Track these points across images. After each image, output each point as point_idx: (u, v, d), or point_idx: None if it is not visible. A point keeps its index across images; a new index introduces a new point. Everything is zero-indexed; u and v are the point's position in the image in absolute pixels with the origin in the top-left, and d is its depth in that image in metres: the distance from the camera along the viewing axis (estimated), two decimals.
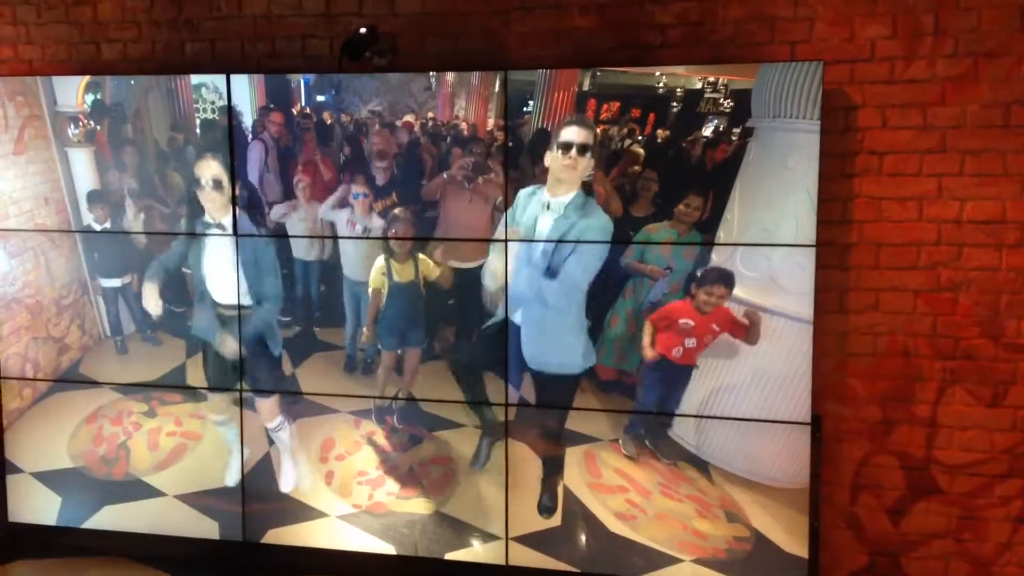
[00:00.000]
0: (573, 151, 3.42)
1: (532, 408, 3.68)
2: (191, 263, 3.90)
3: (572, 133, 3.43)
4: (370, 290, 3.77)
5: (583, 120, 3.46)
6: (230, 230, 3.80)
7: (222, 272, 3.84)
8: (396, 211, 3.69)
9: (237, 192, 3.77)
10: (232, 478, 3.99)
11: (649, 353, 3.54)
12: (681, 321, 3.51)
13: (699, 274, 3.46)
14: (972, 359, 3.40)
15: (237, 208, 3.78)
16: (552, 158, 3.47)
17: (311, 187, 3.77)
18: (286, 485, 3.94)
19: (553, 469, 3.70)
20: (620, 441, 3.65)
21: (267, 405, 3.92)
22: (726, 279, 3.43)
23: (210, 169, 3.76)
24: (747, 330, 3.42)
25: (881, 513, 3.55)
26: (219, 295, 3.86)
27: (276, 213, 3.78)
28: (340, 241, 3.79)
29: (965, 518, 3.47)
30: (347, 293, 3.83)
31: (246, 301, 3.83)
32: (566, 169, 3.45)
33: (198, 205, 3.83)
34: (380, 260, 3.75)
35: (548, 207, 3.50)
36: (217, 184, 3.77)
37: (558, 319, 3.57)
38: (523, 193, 3.55)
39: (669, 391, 3.59)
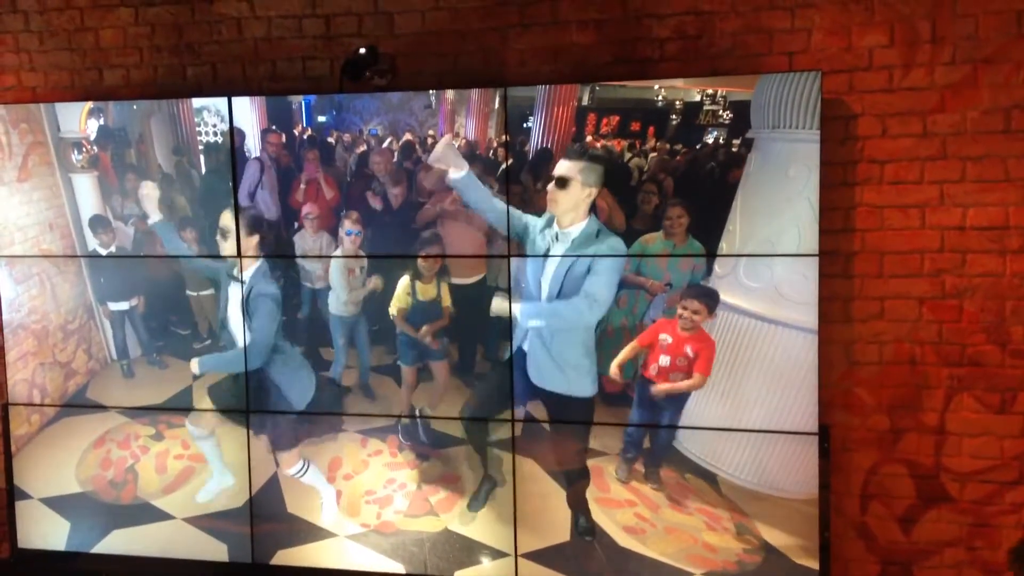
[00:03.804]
0: (551, 184, 3.45)
1: (542, 426, 3.67)
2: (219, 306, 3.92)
3: (558, 166, 3.45)
4: (395, 311, 3.76)
5: (571, 150, 3.46)
6: (246, 280, 3.83)
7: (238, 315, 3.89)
8: (426, 234, 3.69)
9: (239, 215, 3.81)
10: (205, 497, 4.00)
11: (613, 371, 3.54)
12: (661, 336, 3.51)
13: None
14: (979, 366, 3.39)
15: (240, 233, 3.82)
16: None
17: (320, 218, 3.79)
18: (328, 520, 3.91)
19: (578, 491, 3.69)
20: (615, 468, 3.65)
21: (285, 456, 3.91)
22: (704, 297, 3.43)
23: (231, 221, 3.80)
24: (700, 377, 3.45)
25: (891, 522, 3.53)
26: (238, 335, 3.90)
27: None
28: (342, 285, 3.83)
29: (976, 526, 3.45)
30: (339, 326, 3.85)
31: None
32: (549, 203, 3.48)
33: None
34: (405, 280, 3.74)
35: (557, 239, 3.51)
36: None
37: (569, 341, 3.57)
38: (537, 223, 3.54)
39: (664, 413, 3.58)
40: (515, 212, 3.54)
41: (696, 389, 3.48)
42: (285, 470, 3.92)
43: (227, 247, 3.83)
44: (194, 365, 3.93)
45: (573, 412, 3.61)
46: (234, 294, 3.85)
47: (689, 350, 3.47)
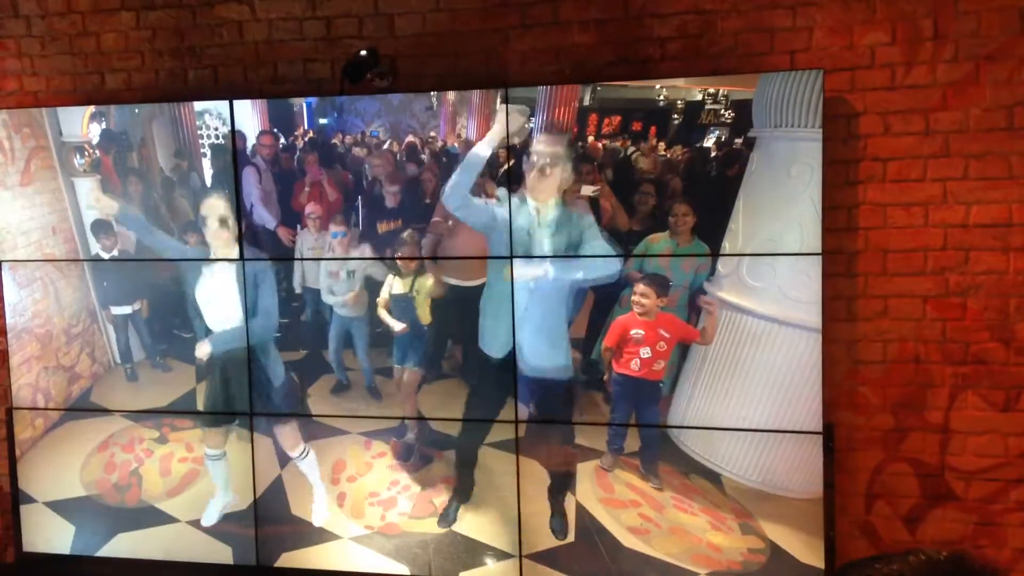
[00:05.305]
0: (534, 172, 3.49)
1: (542, 424, 3.67)
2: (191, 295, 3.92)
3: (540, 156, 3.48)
4: (382, 306, 3.80)
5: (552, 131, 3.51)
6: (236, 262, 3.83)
7: (219, 299, 3.86)
8: (404, 235, 3.71)
9: (242, 219, 3.80)
10: (209, 519, 4.00)
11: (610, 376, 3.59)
12: (632, 332, 3.51)
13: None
14: (983, 363, 3.38)
15: (243, 236, 3.81)
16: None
17: (322, 218, 3.79)
18: (319, 519, 3.91)
19: (559, 487, 3.69)
20: (600, 458, 3.65)
21: (287, 432, 3.91)
22: (655, 282, 3.45)
23: (216, 208, 3.79)
24: (701, 331, 3.46)
25: (897, 521, 3.52)
26: (214, 321, 3.89)
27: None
28: (327, 286, 3.86)
29: (982, 524, 3.44)
30: (336, 323, 3.88)
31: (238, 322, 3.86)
32: (532, 190, 3.51)
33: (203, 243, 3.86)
34: (389, 277, 3.77)
35: (539, 224, 3.53)
36: (223, 222, 3.79)
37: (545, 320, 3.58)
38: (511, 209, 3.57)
39: (641, 408, 3.59)
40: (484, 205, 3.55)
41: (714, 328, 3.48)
42: (289, 451, 3.92)
43: (208, 236, 3.83)
44: (202, 349, 3.90)
45: (552, 396, 3.61)
46: (207, 274, 3.85)
47: (663, 331, 3.49)
